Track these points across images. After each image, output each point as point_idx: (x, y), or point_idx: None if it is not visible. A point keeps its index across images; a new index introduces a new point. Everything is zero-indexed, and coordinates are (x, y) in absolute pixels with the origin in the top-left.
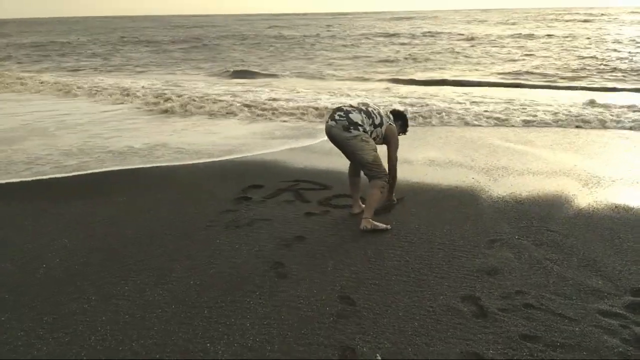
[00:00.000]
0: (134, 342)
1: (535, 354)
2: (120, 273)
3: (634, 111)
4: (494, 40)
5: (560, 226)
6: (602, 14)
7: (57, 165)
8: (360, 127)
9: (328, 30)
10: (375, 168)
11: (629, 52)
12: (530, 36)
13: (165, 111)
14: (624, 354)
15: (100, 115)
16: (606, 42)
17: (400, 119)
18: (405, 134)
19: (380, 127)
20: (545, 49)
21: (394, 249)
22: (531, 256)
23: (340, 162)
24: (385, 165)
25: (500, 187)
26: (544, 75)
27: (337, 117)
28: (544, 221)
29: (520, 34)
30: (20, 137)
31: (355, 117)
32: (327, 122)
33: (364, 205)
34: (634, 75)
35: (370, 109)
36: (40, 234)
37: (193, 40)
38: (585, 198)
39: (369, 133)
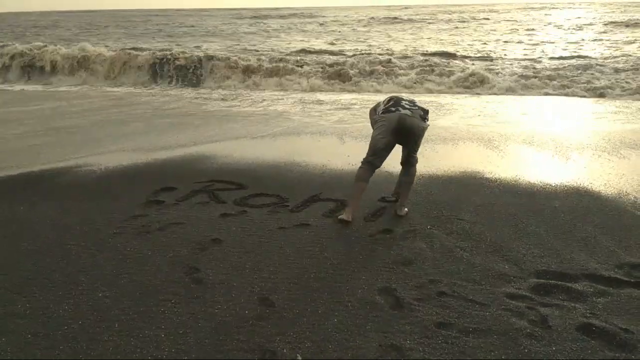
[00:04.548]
0: None
1: (450, 341)
2: (20, 289)
3: None
4: None
5: (468, 214)
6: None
7: None
8: (428, 116)
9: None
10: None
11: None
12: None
13: None
14: (531, 335)
15: None
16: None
17: None
18: None
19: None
20: None
21: (313, 246)
22: (442, 245)
23: (256, 161)
24: None
25: None
26: None
27: (408, 107)
28: (453, 210)
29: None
30: None
31: (421, 106)
32: (395, 111)
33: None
34: None
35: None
36: None
37: None
38: (489, 185)
39: None
